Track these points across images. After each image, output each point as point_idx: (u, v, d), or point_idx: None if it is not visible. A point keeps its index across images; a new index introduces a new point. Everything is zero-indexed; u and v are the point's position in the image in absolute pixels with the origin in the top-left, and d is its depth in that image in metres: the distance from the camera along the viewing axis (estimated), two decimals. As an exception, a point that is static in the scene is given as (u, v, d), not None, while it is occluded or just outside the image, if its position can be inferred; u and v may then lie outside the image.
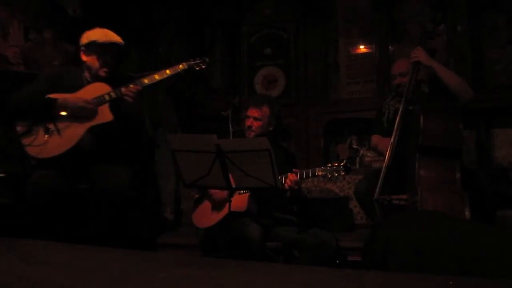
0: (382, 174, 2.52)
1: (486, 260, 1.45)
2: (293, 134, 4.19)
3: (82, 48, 2.49)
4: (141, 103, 2.52)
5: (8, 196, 2.64)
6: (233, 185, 2.11)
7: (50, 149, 2.32)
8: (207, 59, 2.62)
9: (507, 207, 2.89)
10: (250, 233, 2.31)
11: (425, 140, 2.46)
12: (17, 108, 2.38)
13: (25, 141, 2.34)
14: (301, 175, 2.37)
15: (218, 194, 2.53)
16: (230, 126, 2.89)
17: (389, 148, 2.59)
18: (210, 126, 3.76)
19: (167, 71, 2.51)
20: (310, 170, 2.35)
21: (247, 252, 2.29)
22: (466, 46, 3.79)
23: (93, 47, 2.46)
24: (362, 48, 4.24)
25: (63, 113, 2.36)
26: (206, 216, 2.60)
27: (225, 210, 2.43)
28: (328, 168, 2.31)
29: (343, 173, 2.29)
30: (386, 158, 2.57)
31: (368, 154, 4.10)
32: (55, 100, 2.35)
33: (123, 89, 2.42)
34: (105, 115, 2.40)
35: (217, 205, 2.57)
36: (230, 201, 2.14)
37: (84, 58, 2.50)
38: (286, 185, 2.36)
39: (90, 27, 2.54)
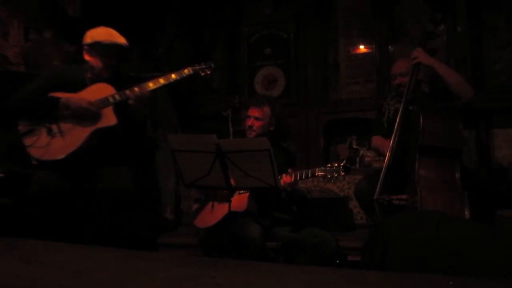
0: (382, 174, 2.52)
1: (486, 260, 1.45)
2: (293, 134, 4.19)
3: (86, 47, 2.45)
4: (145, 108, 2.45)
5: (8, 196, 2.63)
6: (233, 185, 2.11)
7: (54, 151, 2.29)
8: (212, 65, 2.55)
9: (507, 207, 2.89)
10: (250, 233, 2.32)
11: (425, 140, 2.46)
12: (19, 107, 2.36)
13: (27, 141, 2.31)
14: (301, 175, 2.37)
15: (218, 194, 2.53)
16: (230, 126, 2.89)
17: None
18: (210, 126, 3.75)
19: (173, 76, 2.45)
20: (310, 170, 2.34)
21: (247, 252, 2.29)
22: (466, 46, 3.78)
23: (97, 47, 2.42)
24: (362, 48, 4.24)
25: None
26: (206, 216, 2.60)
27: (225, 210, 2.42)
28: (328, 168, 2.30)
29: (343, 174, 2.28)
30: (386, 158, 2.57)
31: (368, 154, 4.09)
32: (57, 99, 2.32)
33: (127, 92, 2.37)
34: (109, 118, 2.35)
35: (217, 205, 2.57)
36: (230, 201, 2.14)
37: (87, 57, 2.46)
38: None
39: (90, 27, 2.51)
